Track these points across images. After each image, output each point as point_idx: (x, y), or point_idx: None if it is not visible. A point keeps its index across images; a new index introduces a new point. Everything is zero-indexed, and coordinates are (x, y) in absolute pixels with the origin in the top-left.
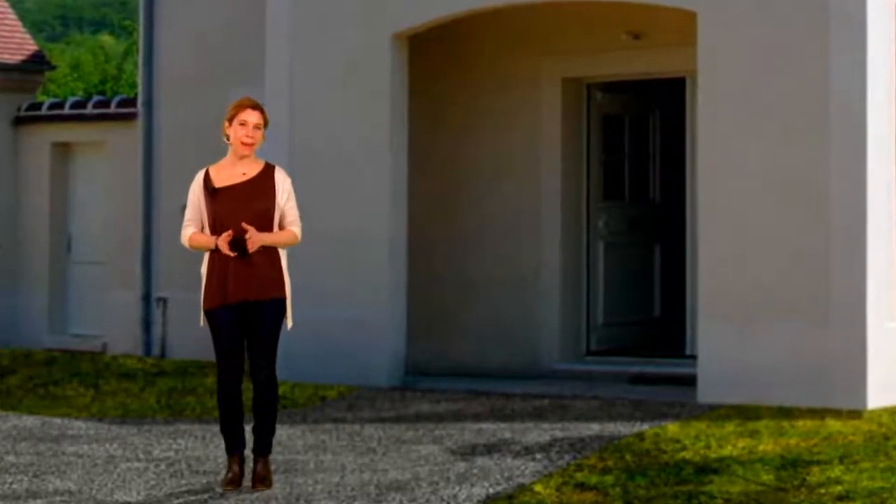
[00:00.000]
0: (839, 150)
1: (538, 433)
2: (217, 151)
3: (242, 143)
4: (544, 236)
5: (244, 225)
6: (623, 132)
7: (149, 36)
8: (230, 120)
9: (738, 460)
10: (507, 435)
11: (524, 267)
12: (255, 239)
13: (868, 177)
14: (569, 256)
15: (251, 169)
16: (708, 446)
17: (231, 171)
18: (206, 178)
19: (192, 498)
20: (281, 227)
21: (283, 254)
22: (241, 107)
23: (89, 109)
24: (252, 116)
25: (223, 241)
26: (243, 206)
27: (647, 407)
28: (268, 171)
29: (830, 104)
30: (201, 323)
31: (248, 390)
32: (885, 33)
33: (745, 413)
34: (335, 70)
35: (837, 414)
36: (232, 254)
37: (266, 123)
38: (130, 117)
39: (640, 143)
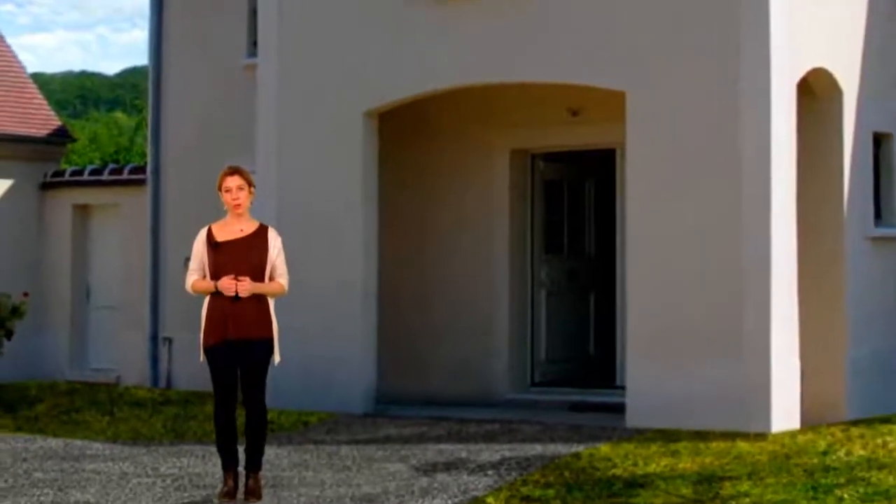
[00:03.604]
0: (748, 210)
1: (490, 453)
2: (215, 211)
3: (233, 206)
4: (496, 286)
5: (241, 277)
6: (563, 195)
7: (156, 113)
8: (219, 189)
9: (661, 476)
10: (464, 455)
11: (479, 312)
12: (248, 286)
13: (772, 233)
14: (516, 303)
15: (248, 227)
16: (635, 464)
17: (230, 229)
18: (209, 234)
19: None
20: (271, 279)
21: (271, 301)
22: (223, 176)
23: (105, 176)
24: (233, 181)
25: (224, 281)
26: (241, 258)
27: (584, 431)
28: (262, 230)
29: (741, 170)
30: (201, 359)
31: (241, 416)
32: (787, 107)
33: (667, 436)
34: (316, 141)
35: (746, 436)
36: (231, 291)
37: (250, 182)
38: (141, 183)
39: (577, 204)
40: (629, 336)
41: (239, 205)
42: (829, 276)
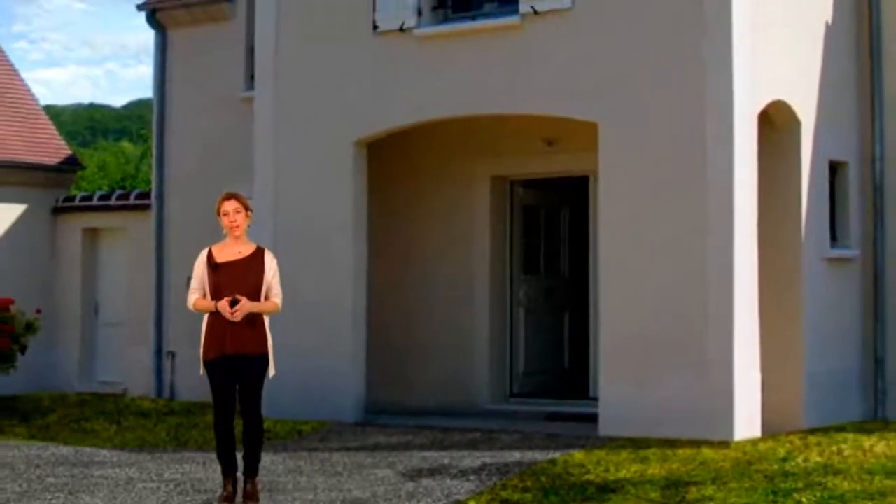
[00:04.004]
0: (712, 233)
1: (471, 459)
2: (215, 234)
3: (231, 228)
4: (477, 304)
5: (237, 296)
6: (539, 219)
7: (160, 142)
8: (217, 213)
9: (631, 481)
10: (447, 461)
11: (462, 328)
12: (245, 307)
13: (735, 255)
14: (496, 320)
15: (245, 249)
16: (607, 470)
17: (229, 251)
18: (210, 255)
19: None
20: (266, 298)
21: (266, 318)
22: (221, 201)
23: (113, 201)
24: (230, 205)
25: (223, 304)
26: (239, 278)
27: (559, 439)
28: (259, 253)
29: (706, 195)
30: (201, 373)
31: (239, 425)
32: (748, 136)
33: (637, 444)
34: (309, 168)
35: (711, 444)
36: (230, 311)
37: (246, 207)
38: (146, 207)
39: (552, 228)
40: (601, 351)
41: (236, 227)
42: (788, 295)
